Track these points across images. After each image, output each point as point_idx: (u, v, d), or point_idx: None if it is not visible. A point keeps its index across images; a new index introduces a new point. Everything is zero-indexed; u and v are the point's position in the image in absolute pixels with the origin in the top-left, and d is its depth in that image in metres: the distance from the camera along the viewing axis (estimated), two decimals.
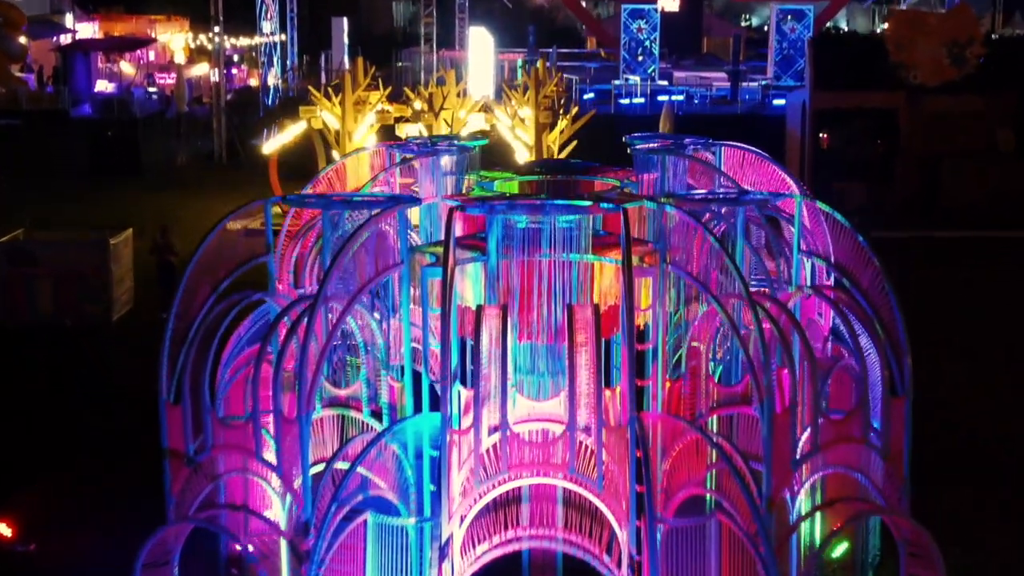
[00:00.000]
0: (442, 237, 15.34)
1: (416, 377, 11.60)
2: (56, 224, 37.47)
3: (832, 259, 12.17)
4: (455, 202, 14.66)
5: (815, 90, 40.09)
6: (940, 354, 26.05)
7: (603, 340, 12.02)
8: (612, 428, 11.02)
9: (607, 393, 11.33)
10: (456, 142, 16.21)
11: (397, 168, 14.87)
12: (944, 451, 21.40)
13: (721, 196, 12.19)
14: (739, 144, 16.01)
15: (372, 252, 11.68)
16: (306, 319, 10.68)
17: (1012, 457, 21.40)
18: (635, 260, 11.58)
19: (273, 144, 38.29)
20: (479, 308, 10.83)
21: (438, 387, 10.97)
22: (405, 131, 38.97)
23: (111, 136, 47.80)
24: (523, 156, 38.19)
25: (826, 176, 39.80)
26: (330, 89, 39.73)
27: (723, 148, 15.78)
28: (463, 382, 11.37)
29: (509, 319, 11.11)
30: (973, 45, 39.89)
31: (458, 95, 38.98)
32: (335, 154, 39.67)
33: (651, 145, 15.80)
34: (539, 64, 39.70)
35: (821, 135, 40.59)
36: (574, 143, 38.41)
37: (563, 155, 38.59)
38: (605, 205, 11.50)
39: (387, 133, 40.67)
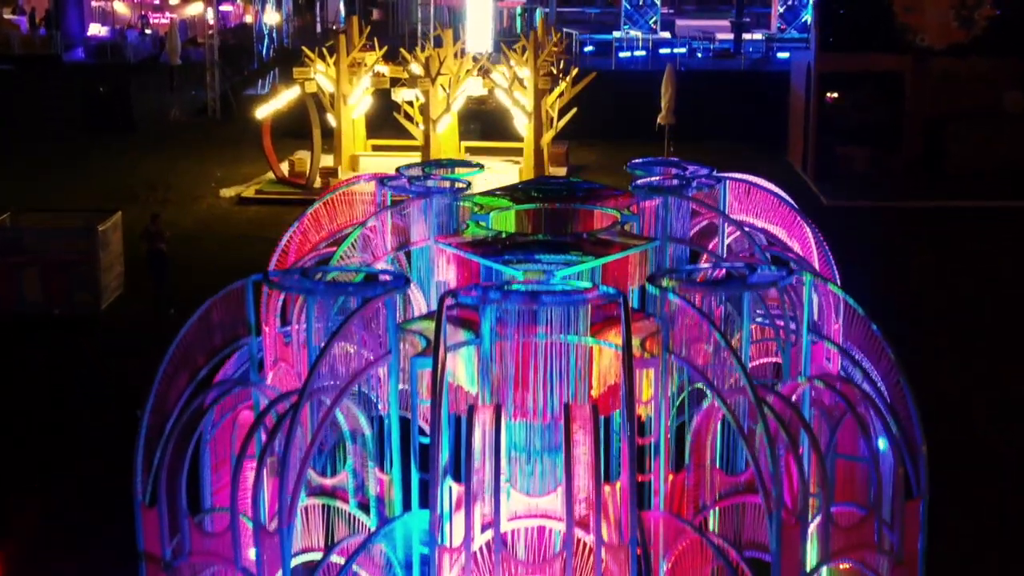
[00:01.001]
0: (435, 280, 14.88)
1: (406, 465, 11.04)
2: (49, 192, 36.99)
3: (840, 340, 11.57)
4: (448, 246, 14.09)
5: (820, 52, 39.28)
6: (940, 343, 25.67)
7: (604, 421, 11.53)
8: (613, 528, 10.52)
9: (606, 489, 10.81)
10: (451, 175, 15.46)
11: (389, 215, 14.21)
12: (943, 444, 21.06)
13: (727, 273, 11.53)
14: (744, 177, 15.37)
15: (359, 332, 11.07)
16: (291, 416, 10.12)
17: (1012, 447, 21.09)
18: (635, 340, 11.02)
19: (266, 110, 37.55)
20: (471, 409, 10.31)
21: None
22: (401, 96, 38.26)
23: (103, 92, 47.06)
24: (521, 122, 37.46)
25: (830, 140, 39.17)
26: (324, 50, 38.96)
27: (728, 182, 15.13)
28: (455, 477, 10.83)
29: (503, 406, 10.62)
30: (982, 7, 39.06)
31: (455, 55, 38.22)
32: (330, 118, 38.99)
33: (652, 180, 15.10)
34: (538, 25, 38.84)
35: (829, 95, 39.81)
36: (574, 110, 37.72)
37: (562, 123, 37.88)
38: (604, 289, 10.93)
39: (383, 97, 39.96)
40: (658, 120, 38.36)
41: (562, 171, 39.48)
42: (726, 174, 15.28)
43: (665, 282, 10.87)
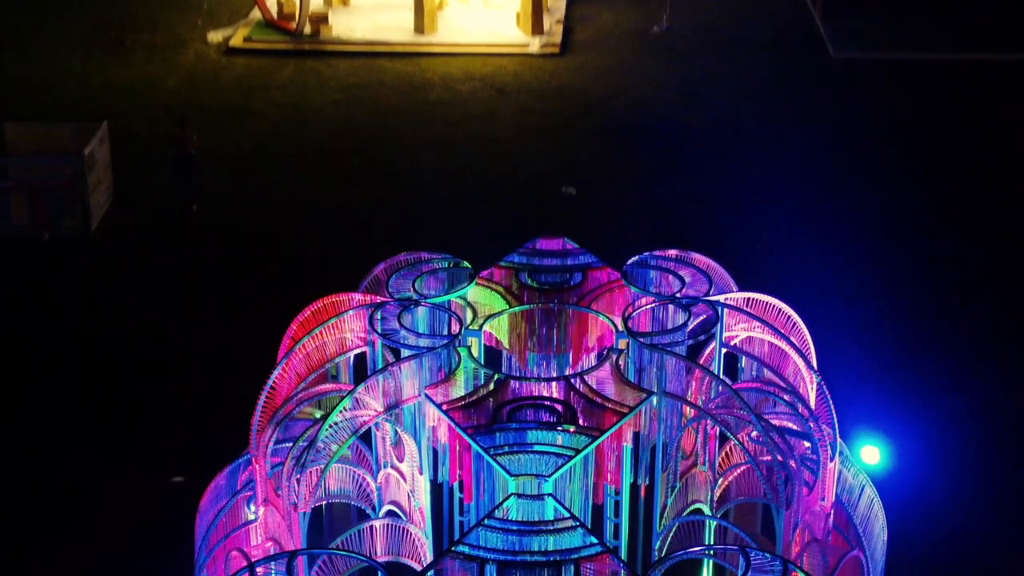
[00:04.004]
0: (427, 432, 14.57)
1: None
2: (24, 39, 35.76)
3: None
4: (439, 408, 13.85)
5: None
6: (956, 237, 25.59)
7: None
8: None
9: None
10: (443, 297, 14.99)
11: (380, 381, 13.80)
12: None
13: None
14: (743, 296, 14.91)
15: None
16: None
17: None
18: None
19: None
20: None
21: None
22: None
23: None
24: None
25: None
26: None
27: (725, 310, 14.68)
28: None
29: None
30: None
31: None
32: None
33: (647, 305, 14.71)
34: None
35: None
36: None
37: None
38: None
39: None
40: None
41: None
42: (722, 299, 14.80)
43: None
